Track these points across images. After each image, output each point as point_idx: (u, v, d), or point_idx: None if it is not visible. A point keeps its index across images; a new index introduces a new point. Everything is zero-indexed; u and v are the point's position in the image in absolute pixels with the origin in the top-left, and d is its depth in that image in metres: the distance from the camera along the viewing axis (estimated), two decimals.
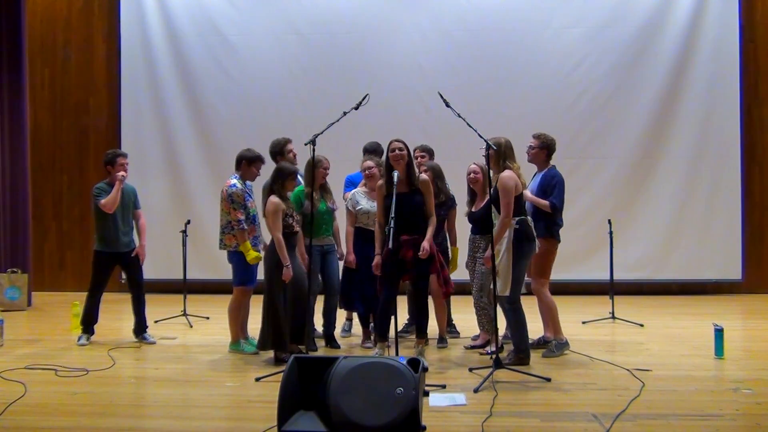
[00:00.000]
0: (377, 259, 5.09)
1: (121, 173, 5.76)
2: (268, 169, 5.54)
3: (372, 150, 6.01)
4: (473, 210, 5.51)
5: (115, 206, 5.71)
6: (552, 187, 5.31)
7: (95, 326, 5.91)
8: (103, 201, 5.70)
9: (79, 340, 5.81)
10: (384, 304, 5.08)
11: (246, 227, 5.31)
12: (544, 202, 5.27)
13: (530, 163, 5.51)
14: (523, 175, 5.11)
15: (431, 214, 5.17)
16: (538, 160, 5.47)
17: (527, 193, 5.25)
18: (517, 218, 4.89)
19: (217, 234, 5.52)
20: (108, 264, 5.88)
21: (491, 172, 4.92)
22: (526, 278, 5.17)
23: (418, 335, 5.30)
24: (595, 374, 4.76)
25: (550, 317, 5.37)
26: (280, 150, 5.74)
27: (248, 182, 5.56)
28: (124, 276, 6.21)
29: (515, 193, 4.88)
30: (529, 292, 5.34)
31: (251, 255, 5.28)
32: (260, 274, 5.40)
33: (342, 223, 5.81)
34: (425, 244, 4.99)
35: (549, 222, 5.31)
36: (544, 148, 5.42)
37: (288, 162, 5.56)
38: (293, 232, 5.18)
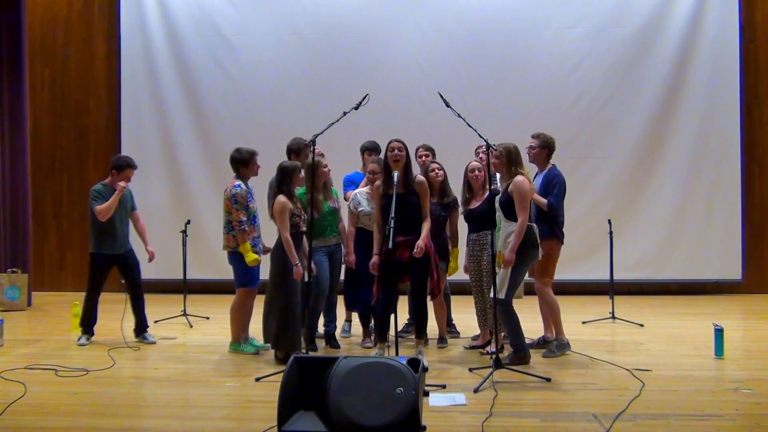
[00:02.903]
0: (375, 259, 5.09)
1: (122, 183, 5.75)
2: (265, 160, 5.58)
3: (372, 149, 6.01)
4: (471, 208, 5.51)
5: (109, 215, 5.68)
6: (552, 186, 5.31)
7: (95, 327, 5.90)
8: (98, 207, 5.67)
9: (79, 340, 5.81)
10: (383, 306, 5.07)
11: (247, 228, 5.30)
12: (543, 200, 5.28)
13: (531, 163, 5.51)
14: (532, 181, 5.11)
15: (426, 215, 5.16)
16: (539, 159, 5.47)
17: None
18: None
19: (217, 234, 5.51)
20: (105, 266, 5.87)
21: (499, 176, 4.90)
22: (528, 278, 5.17)
23: (417, 336, 5.30)
24: (595, 374, 4.76)
25: (552, 317, 5.38)
26: (298, 150, 5.64)
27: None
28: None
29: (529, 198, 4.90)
30: (531, 292, 5.34)
31: (250, 257, 5.26)
32: (263, 274, 5.40)
33: (345, 222, 5.80)
34: (420, 242, 4.97)
35: (552, 222, 5.30)
36: (544, 148, 5.42)
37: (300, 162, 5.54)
38: (300, 231, 5.18)
